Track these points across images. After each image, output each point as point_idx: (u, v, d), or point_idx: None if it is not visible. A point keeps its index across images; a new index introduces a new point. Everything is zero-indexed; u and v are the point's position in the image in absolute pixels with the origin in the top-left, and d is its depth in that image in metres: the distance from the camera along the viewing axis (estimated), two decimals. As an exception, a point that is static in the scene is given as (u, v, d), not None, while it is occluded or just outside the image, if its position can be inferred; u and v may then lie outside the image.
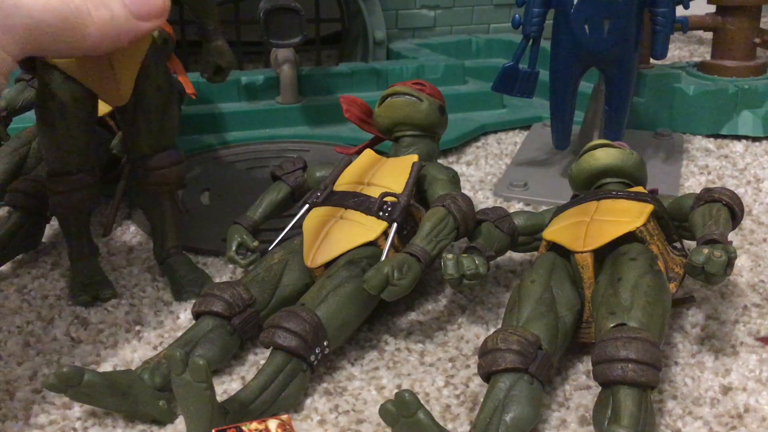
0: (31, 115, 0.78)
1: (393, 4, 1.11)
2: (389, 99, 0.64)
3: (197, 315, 0.52)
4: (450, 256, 0.52)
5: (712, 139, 0.91)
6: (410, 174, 0.59)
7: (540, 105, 0.96)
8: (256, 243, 0.60)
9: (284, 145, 0.90)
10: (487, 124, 0.94)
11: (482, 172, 0.84)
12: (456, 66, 0.99)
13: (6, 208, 0.73)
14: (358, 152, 0.67)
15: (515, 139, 0.93)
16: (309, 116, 0.93)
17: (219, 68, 0.63)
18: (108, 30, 0.42)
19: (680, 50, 1.33)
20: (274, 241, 0.60)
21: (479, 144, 0.92)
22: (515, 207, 0.75)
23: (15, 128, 0.77)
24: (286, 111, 0.93)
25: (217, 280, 0.62)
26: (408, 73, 0.98)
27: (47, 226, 0.68)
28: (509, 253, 0.62)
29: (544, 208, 0.75)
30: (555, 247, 0.55)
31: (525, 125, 0.96)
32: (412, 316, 0.58)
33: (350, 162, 0.63)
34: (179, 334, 0.55)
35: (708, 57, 0.98)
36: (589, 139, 0.81)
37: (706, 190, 0.55)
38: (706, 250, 0.46)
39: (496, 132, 0.95)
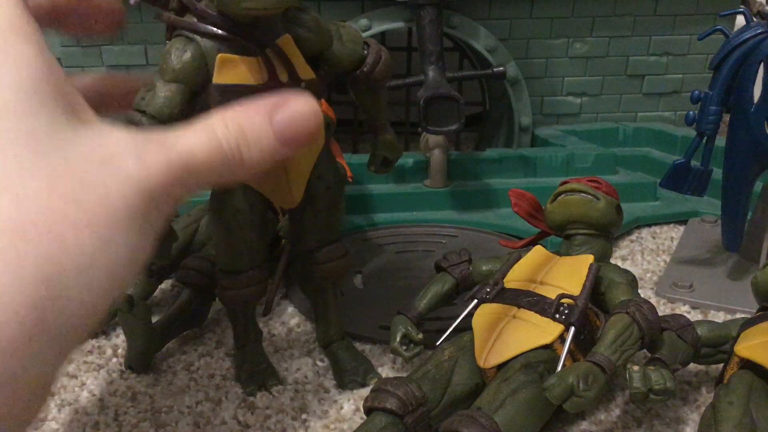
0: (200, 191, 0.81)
1: (539, 91, 1.10)
2: (563, 196, 0.63)
3: (369, 410, 0.51)
4: (636, 368, 0.49)
5: None
6: (587, 276, 0.57)
7: (695, 199, 0.92)
8: (420, 335, 0.60)
9: (432, 228, 0.89)
10: (641, 217, 0.90)
11: (640, 269, 0.80)
12: (607, 155, 0.97)
13: (169, 283, 0.76)
14: (524, 246, 0.65)
15: (671, 234, 0.89)
16: (456, 201, 0.93)
17: (387, 161, 0.63)
18: (255, 166, 0.38)
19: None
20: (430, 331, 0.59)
21: (633, 237, 0.88)
22: (680, 309, 0.72)
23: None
24: (435, 195, 0.93)
25: (376, 368, 0.62)
26: (557, 161, 0.96)
27: (209, 302, 0.69)
28: (684, 363, 0.59)
29: (712, 312, 0.71)
30: (749, 365, 0.51)
31: (680, 219, 0.92)
32: (584, 425, 0.55)
33: (519, 257, 0.61)
34: (344, 425, 0.55)
35: None
36: (758, 240, 0.77)
37: None
38: None
39: (650, 225, 0.91)
